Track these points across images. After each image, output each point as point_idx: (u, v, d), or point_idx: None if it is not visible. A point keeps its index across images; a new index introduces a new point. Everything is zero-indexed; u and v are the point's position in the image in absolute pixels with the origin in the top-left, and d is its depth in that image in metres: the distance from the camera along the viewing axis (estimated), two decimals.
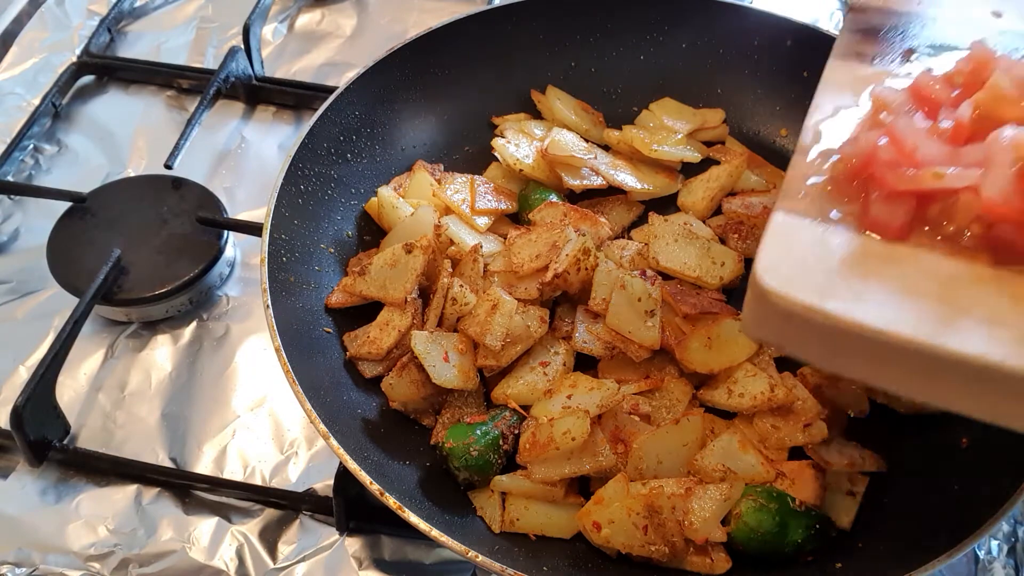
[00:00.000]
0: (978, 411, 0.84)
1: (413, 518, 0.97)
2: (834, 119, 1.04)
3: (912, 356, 0.81)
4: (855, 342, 0.83)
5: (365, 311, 1.24)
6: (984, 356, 0.79)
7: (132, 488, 1.23)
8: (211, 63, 1.78)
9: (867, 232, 0.91)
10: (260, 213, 1.43)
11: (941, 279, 0.86)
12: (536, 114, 1.50)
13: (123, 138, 1.66)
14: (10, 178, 1.58)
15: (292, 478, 1.24)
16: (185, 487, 1.23)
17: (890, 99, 1.01)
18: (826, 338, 0.85)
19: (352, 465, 1.00)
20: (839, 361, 0.89)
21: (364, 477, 0.99)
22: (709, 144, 1.48)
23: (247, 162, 1.63)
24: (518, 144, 1.41)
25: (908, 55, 1.14)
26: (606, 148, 1.46)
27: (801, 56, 1.38)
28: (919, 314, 0.82)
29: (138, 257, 1.40)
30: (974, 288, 0.85)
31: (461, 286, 1.19)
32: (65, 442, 1.27)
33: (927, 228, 0.90)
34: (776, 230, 0.92)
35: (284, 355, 1.07)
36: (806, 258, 0.88)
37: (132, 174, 1.59)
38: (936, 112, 0.98)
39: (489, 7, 1.48)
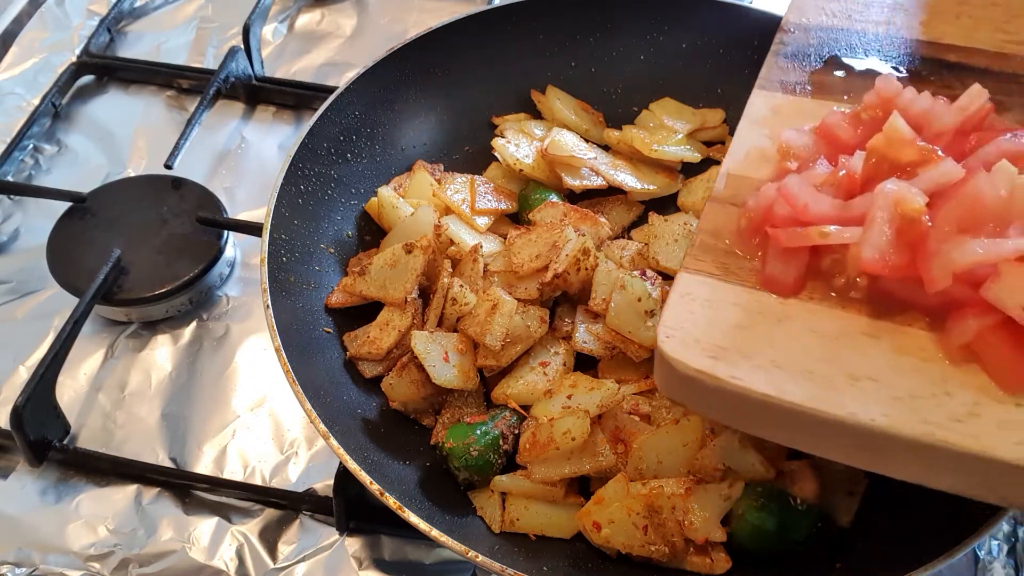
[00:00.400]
0: (868, 466, 0.88)
1: (413, 518, 0.97)
2: (746, 164, 1.09)
3: (798, 417, 0.86)
4: (747, 405, 0.87)
5: (365, 311, 1.24)
6: (854, 416, 0.83)
7: (132, 488, 1.23)
8: (211, 63, 1.78)
9: (763, 289, 0.96)
10: (260, 213, 1.43)
11: (827, 336, 0.91)
12: (536, 114, 1.50)
13: (123, 138, 1.66)
14: (10, 178, 1.58)
15: (292, 478, 1.24)
16: (185, 487, 1.23)
17: (796, 145, 1.06)
18: (721, 401, 0.89)
19: (352, 465, 1.00)
20: (739, 421, 0.93)
21: (364, 477, 0.99)
22: (709, 144, 1.48)
23: (247, 162, 1.63)
24: (518, 144, 1.41)
25: (833, 77, 1.19)
26: (606, 148, 1.46)
27: None
28: (802, 376, 0.87)
29: (138, 257, 1.40)
30: (856, 343, 0.90)
31: (461, 286, 1.19)
32: (65, 442, 1.27)
33: (820, 281, 0.95)
34: (680, 290, 0.96)
35: (284, 355, 1.07)
36: (706, 320, 0.93)
37: (132, 174, 1.59)
38: (844, 153, 1.02)
39: (489, 7, 1.48)
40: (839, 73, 1.19)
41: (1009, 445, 0.81)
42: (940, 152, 0.95)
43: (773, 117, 1.15)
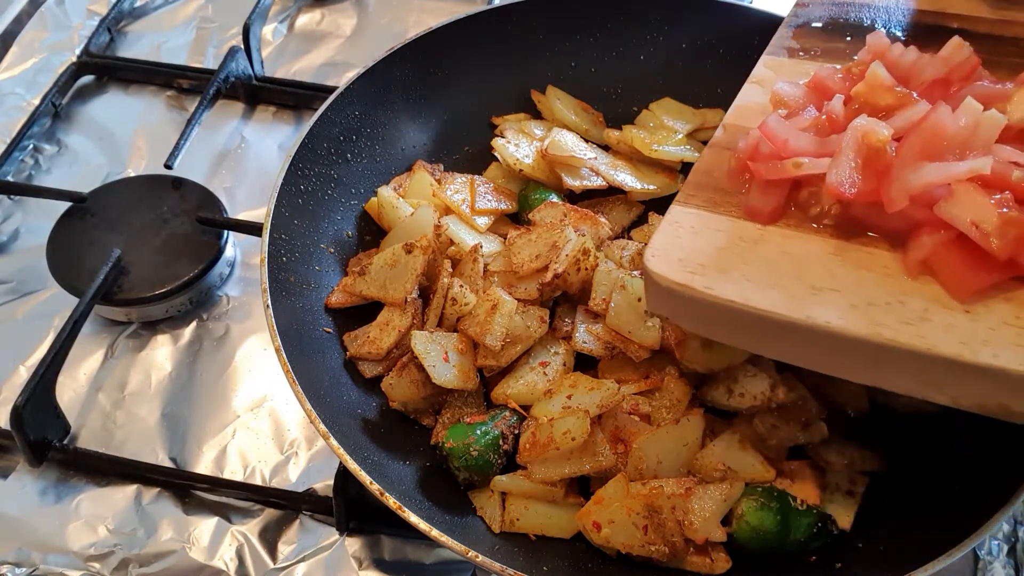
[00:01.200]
0: (828, 369, 0.95)
1: (413, 518, 0.97)
2: (743, 115, 1.17)
3: (762, 323, 0.93)
4: (718, 313, 0.95)
5: (365, 311, 1.24)
6: (811, 319, 0.90)
7: (132, 488, 1.23)
8: (211, 63, 1.78)
9: (746, 218, 1.04)
10: (260, 213, 1.43)
11: (797, 256, 0.98)
12: (536, 114, 1.50)
13: (123, 138, 1.66)
14: (10, 178, 1.58)
15: (292, 478, 1.24)
16: (185, 487, 1.23)
17: (787, 95, 1.13)
18: (697, 311, 0.98)
19: (352, 465, 1.00)
20: (712, 330, 1.01)
21: (364, 477, 0.99)
22: None
23: (247, 162, 1.63)
24: (518, 144, 1.41)
25: (836, 44, 1.26)
26: (606, 148, 1.46)
27: None
28: (770, 287, 0.95)
29: (138, 257, 1.40)
30: (823, 262, 0.97)
31: (461, 286, 1.19)
32: (65, 442, 1.27)
33: (798, 211, 1.02)
34: (670, 219, 1.05)
35: (284, 355, 1.07)
36: (690, 243, 1.01)
37: (132, 174, 1.59)
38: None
39: (489, 7, 1.48)
40: (846, 39, 1.25)
41: (954, 344, 0.86)
42: (916, 96, 1.01)
43: (774, 76, 1.21)
